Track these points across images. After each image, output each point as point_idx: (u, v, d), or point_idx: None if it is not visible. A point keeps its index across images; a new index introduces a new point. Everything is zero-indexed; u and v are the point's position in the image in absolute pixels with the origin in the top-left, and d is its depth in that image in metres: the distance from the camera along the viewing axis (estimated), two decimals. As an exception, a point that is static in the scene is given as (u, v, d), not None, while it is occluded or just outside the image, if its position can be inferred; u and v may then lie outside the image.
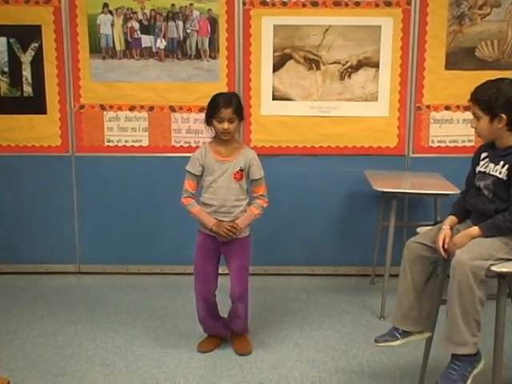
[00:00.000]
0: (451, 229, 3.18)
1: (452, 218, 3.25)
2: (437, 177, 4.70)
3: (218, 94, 3.81)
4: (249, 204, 3.83)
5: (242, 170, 3.75)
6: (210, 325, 4.00)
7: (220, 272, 3.94)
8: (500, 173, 2.99)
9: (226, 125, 3.66)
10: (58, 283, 5.13)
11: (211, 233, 3.77)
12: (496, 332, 2.98)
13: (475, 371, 2.95)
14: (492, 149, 3.11)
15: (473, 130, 3.13)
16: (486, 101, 2.98)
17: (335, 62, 4.96)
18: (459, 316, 2.89)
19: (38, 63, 4.99)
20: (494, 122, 2.99)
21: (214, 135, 3.80)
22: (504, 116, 2.96)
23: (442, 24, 4.89)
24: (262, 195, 3.83)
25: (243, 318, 3.95)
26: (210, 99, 3.77)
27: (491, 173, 3.05)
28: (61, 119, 5.07)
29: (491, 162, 3.08)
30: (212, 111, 3.70)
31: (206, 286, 3.89)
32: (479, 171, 3.15)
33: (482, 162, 3.15)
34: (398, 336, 3.29)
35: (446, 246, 3.10)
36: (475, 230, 2.97)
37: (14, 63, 5.00)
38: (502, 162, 3.01)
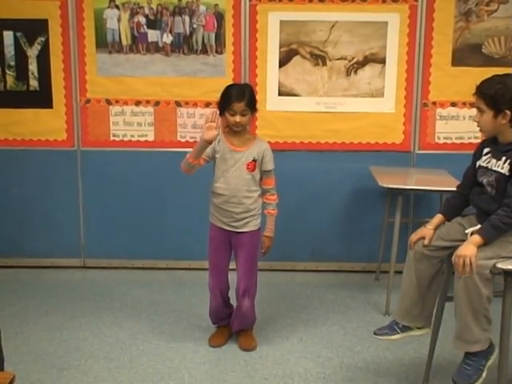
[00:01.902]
0: (435, 229, 3.20)
1: (439, 217, 3.26)
2: (443, 173, 4.69)
3: (231, 86, 3.80)
4: (260, 195, 3.83)
5: (255, 161, 3.74)
6: (221, 315, 4.02)
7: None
8: (502, 168, 2.98)
9: (238, 118, 3.64)
10: (62, 277, 5.14)
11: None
12: (502, 328, 2.97)
13: (489, 362, 2.98)
14: (495, 144, 3.10)
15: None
16: (491, 96, 2.96)
17: (341, 58, 4.96)
18: (468, 315, 2.89)
19: (44, 57, 4.99)
20: (498, 118, 2.98)
21: (226, 126, 3.78)
22: (508, 112, 2.95)
23: (448, 20, 4.88)
24: (272, 189, 3.82)
25: (247, 316, 3.94)
26: (223, 89, 3.74)
27: (493, 168, 3.03)
28: (67, 113, 5.07)
29: (493, 157, 3.06)
30: (224, 103, 3.67)
31: (220, 279, 3.91)
32: (480, 166, 3.13)
33: (484, 157, 3.13)
34: (398, 330, 3.31)
35: (421, 246, 3.17)
36: (476, 237, 2.92)
37: (21, 57, 5.00)
38: (504, 158, 3.00)
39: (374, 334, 3.36)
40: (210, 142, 3.58)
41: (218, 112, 3.64)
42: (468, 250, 2.87)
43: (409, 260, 3.24)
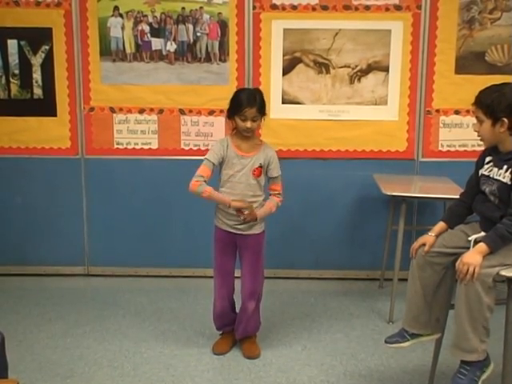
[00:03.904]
0: (437, 236, 3.20)
1: (441, 225, 3.26)
2: (446, 181, 4.69)
3: (241, 91, 3.81)
4: (264, 200, 3.82)
5: (261, 167, 3.74)
6: (226, 320, 4.01)
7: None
8: (504, 177, 2.99)
9: (249, 123, 3.64)
10: (66, 285, 5.15)
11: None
12: (506, 337, 2.97)
13: (484, 375, 2.96)
14: (496, 153, 3.11)
15: (480, 134, 3.13)
16: (488, 104, 2.97)
17: (345, 66, 4.96)
18: (467, 323, 2.89)
19: (48, 66, 5.01)
20: (496, 126, 2.98)
21: (233, 128, 3.78)
22: (506, 120, 2.95)
23: (452, 28, 4.88)
24: (278, 193, 3.83)
25: (252, 319, 3.93)
26: (233, 94, 3.74)
27: (495, 177, 3.04)
28: (71, 121, 5.09)
29: (495, 166, 3.08)
30: (235, 109, 3.67)
31: (226, 281, 3.91)
32: (482, 174, 3.14)
33: (486, 166, 3.14)
34: (408, 337, 3.31)
35: (423, 253, 3.17)
36: (482, 246, 2.92)
37: (25, 65, 5.01)
38: (505, 167, 3.01)
39: (385, 342, 3.36)
40: (230, 206, 3.69)
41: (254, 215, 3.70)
42: (474, 258, 2.87)
43: (412, 268, 3.25)
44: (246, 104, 3.63)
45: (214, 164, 3.72)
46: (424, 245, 3.18)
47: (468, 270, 2.84)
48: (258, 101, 3.67)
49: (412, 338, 3.31)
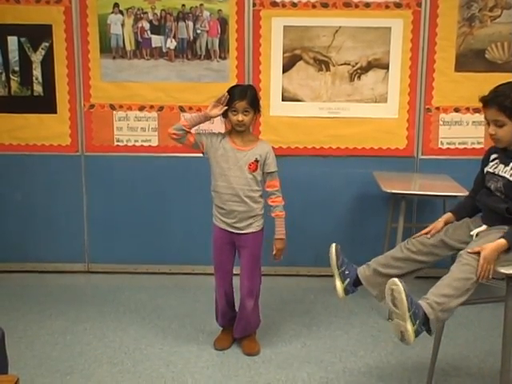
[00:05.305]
0: (445, 225, 3.19)
1: (449, 215, 3.26)
2: (446, 178, 4.69)
3: (233, 86, 3.85)
4: (262, 196, 3.83)
5: (257, 161, 3.74)
6: (228, 317, 4.02)
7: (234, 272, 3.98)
8: (510, 175, 2.99)
9: (240, 116, 3.65)
10: (66, 282, 5.15)
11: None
12: (504, 334, 2.97)
13: (410, 326, 2.72)
14: (503, 150, 3.10)
15: (482, 132, 3.13)
16: None
17: (345, 64, 4.96)
18: (443, 286, 2.85)
19: (48, 63, 5.01)
20: None
21: (230, 129, 3.80)
22: None
23: (452, 26, 4.88)
24: (277, 191, 3.83)
25: (251, 317, 3.94)
26: (226, 90, 3.77)
27: (501, 174, 3.03)
28: (71, 119, 5.09)
29: (501, 163, 3.07)
30: (227, 104, 3.69)
31: (224, 280, 3.92)
32: (488, 172, 3.14)
33: (491, 163, 3.14)
34: (344, 281, 3.42)
35: (429, 237, 3.15)
36: (502, 241, 2.86)
37: (25, 62, 5.01)
38: (511, 164, 3.00)
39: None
40: (209, 119, 3.75)
41: (227, 96, 3.68)
42: (492, 256, 2.82)
43: (408, 245, 3.22)
44: (237, 97, 3.66)
45: (201, 137, 3.81)
46: (430, 232, 3.17)
47: (486, 267, 2.81)
48: (249, 94, 3.70)
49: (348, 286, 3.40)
